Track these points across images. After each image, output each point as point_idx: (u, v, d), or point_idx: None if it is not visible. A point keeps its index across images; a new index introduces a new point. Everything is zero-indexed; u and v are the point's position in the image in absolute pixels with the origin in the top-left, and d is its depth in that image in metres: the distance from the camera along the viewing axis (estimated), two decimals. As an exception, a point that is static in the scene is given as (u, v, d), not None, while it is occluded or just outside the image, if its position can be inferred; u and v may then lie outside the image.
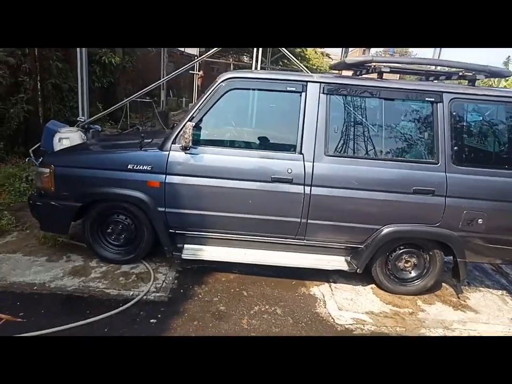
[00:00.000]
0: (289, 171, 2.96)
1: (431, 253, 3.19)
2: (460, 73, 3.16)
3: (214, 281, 3.24)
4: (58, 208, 3.10)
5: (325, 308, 3.01)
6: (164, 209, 3.08)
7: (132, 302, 2.79)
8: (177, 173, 3.01)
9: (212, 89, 2.96)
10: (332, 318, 2.89)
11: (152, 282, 3.08)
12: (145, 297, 2.89)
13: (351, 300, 3.17)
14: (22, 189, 4.66)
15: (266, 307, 2.94)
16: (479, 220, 2.99)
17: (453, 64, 3.12)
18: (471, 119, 3.04)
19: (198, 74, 14.81)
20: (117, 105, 6.20)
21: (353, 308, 3.04)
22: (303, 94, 2.96)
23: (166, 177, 3.01)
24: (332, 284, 3.37)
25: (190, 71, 13.68)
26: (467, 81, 3.19)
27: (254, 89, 3.03)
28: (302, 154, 2.97)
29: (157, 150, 3.05)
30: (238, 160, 2.99)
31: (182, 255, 3.13)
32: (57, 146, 5.44)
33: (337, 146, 2.99)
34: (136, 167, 3.02)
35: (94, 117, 5.92)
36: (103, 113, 6.13)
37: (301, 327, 2.75)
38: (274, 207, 3.06)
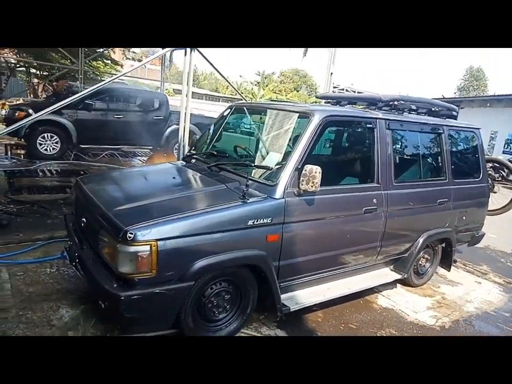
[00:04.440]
0: (374, 201, 3.21)
1: (436, 248, 4.10)
2: (433, 109, 4.15)
3: (315, 324, 3.09)
4: (166, 296, 2.24)
5: (408, 316, 3.43)
6: (277, 263, 2.74)
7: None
8: (293, 220, 2.74)
9: (312, 127, 2.82)
10: (423, 322, 3.35)
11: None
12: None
13: (408, 302, 3.70)
14: None
15: (382, 331, 3.11)
16: (464, 217, 4.11)
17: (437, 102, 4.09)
18: (456, 145, 4.09)
19: None
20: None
21: (419, 309, 3.59)
22: (375, 129, 3.25)
23: (283, 227, 2.69)
24: (381, 293, 3.79)
25: None
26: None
27: (342, 127, 3.08)
28: (380, 184, 3.27)
29: (269, 199, 2.66)
30: (342, 197, 3.00)
31: (291, 308, 2.86)
32: None
33: (398, 174, 3.44)
34: (257, 221, 2.55)
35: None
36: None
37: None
38: (363, 237, 3.25)
